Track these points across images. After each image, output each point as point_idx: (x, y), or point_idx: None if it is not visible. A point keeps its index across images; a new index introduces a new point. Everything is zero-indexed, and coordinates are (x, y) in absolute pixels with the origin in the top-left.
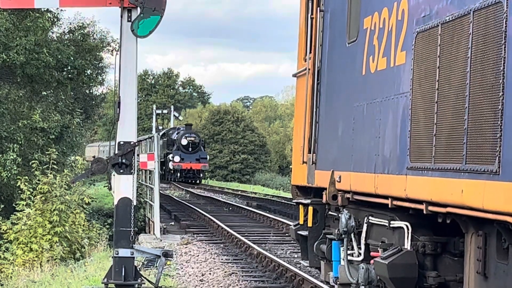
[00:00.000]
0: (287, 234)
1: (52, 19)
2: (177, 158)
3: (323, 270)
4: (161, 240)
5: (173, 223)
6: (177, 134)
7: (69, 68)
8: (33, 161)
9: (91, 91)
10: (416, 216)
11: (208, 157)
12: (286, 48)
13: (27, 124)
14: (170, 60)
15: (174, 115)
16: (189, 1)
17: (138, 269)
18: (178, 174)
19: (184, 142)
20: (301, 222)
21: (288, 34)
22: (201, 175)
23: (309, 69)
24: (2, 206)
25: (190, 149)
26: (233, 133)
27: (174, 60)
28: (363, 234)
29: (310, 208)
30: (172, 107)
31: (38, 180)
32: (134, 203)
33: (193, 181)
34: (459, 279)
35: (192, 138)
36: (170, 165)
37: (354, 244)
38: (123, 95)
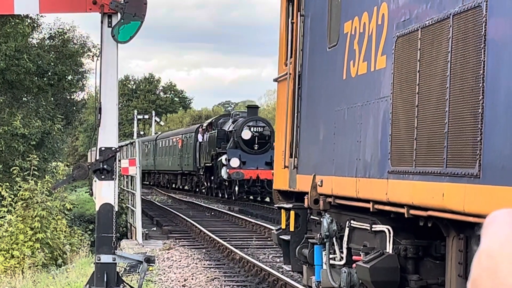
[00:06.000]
0: (269, 239)
1: (32, 25)
2: (235, 162)
3: (305, 274)
4: (143, 246)
5: (155, 229)
6: (233, 123)
7: (49, 74)
8: (14, 168)
9: (72, 96)
10: (398, 220)
11: None
12: (270, 52)
13: (8, 130)
14: (153, 65)
15: (155, 120)
16: (173, 6)
17: (120, 275)
18: (237, 188)
19: (246, 135)
20: (283, 226)
21: (272, 39)
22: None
23: (290, 74)
24: None
25: (256, 146)
26: None
27: (158, 65)
28: (345, 238)
29: (292, 213)
30: (153, 112)
31: (19, 186)
32: (116, 209)
33: (261, 198)
34: (441, 282)
35: (260, 129)
36: (223, 172)
37: (336, 248)
38: (104, 101)
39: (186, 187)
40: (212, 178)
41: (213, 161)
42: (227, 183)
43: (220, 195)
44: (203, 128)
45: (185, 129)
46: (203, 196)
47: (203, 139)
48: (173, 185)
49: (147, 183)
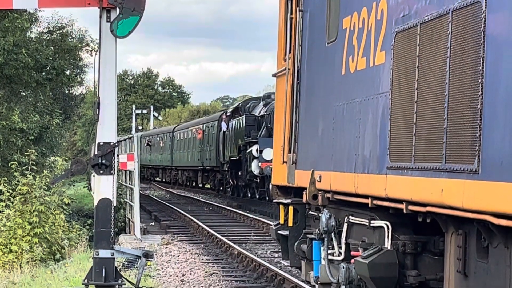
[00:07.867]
0: (267, 234)
1: (30, 19)
2: (268, 153)
3: (303, 269)
4: (141, 241)
5: (153, 224)
6: (265, 106)
7: (48, 68)
8: (12, 162)
9: (70, 91)
10: (396, 216)
11: None
12: (269, 47)
13: (6, 125)
14: (152, 60)
15: (153, 115)
16: (171, 1)
17: (119, 270)
18: (270, 185)
19: None
20: (281, 222)
21: (271, 34)
22: None
23: (288, 69)
24: None
25: None
26: None
27: (156, 59)
28: (344, 234)
29: (291, 208)
30: (151, 107)
31: (18, 181)
32: (114, 204)
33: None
34: (439, 278)
35: None
36: (254, 167)
37: (335, 243)
38: (102, 96)
39: (208, 186)
40: (240, 174)
41: (240, 153)
42: (258, 180)
43: (249, 195)
44: (228, 115)
45: (207, 117)
46: (201, 191)
47: (227, 128)
48: (193, 184)
49: (160, 179)
